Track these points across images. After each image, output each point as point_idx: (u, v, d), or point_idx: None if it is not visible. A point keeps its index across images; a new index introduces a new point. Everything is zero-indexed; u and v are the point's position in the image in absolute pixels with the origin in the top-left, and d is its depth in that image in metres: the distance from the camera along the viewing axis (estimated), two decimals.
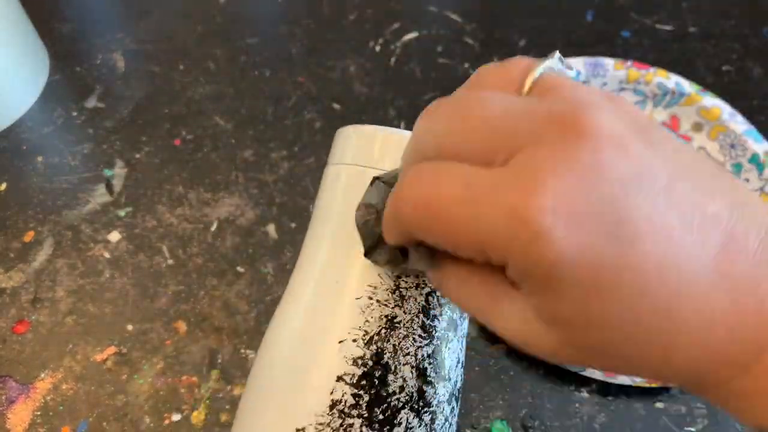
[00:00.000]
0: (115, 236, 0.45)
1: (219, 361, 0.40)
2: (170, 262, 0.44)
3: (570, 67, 0.26)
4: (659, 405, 0.39)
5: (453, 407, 0.28)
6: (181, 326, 0.41)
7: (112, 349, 0.40)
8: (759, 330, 0.17)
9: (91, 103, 0.52)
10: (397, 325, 0.26)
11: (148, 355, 0.40)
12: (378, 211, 0.24)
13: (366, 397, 0.25)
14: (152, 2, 0.59)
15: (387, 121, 0.51)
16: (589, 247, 0.16)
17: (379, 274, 0.26)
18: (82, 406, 0.38)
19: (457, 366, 0.28)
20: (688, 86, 0.50)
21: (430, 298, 0.27)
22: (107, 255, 0.44)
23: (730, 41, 0.58)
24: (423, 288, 0.27)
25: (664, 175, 0.17)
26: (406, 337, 0.26)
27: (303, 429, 0.24)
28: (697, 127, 0.50)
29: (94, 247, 0.44)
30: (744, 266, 0.17)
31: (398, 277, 0.26)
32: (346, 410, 0.24)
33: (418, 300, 0.26)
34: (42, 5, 0.58)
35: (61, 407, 0.38)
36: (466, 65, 0.55)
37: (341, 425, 0.24)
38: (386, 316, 0.26)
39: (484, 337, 0.41)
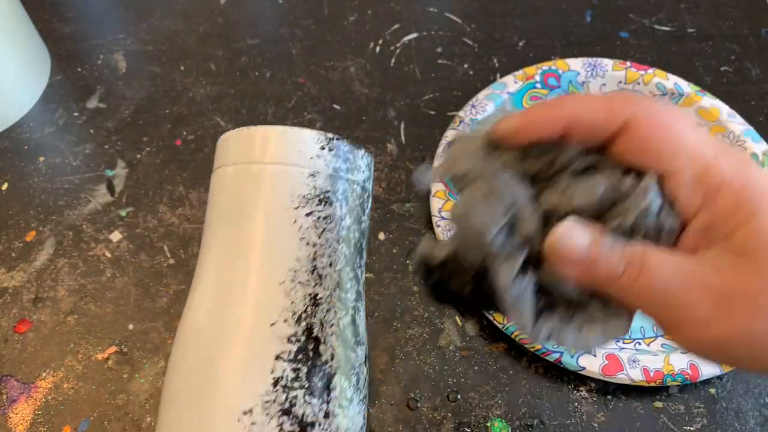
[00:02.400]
0: (116, 236, 0.45)
1: None
2: (171, 261, 0.44)
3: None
4: (658, 404, 0.39)
5: (367, 367, 0.32)
6: None
7: (113, 349, 0.40)
8: None
9: (93, 103, 0.52)
10: (319, 301, 0.29)
11: (149, 355, 0.40)
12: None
13: (304, 369, 0.27)
14: (153, 3, 0.59)
15: (387, 121, 0.52)
16: None
17: (297, 258, 0.28)
18: (83, 406, 0.38)
19: (365, 331, 0.32)
20: (686, 87, 0.50)
21: (343, 274, 0.30)
22: (108, 255, 0.44)
23: (729, 42, 0.58)
24: (335, 266, 0.29)
25: None
26: (328, 311, 0.29)
27: (251, 410, 0.26)
28: None
29: (96, 246, 0.45)
30: None
31: (314, 258, 0.29)
32: (289, 384, 0.27)
33: (333, 276, 0.29)
34: (43, 6, 0.58)
35: (63, 406, 0.38)
36: (466, 65, 0.55)
37: (286, 398, 0.27)
38: (309, 295, 0.28)
39: (483, 336, 0.41)
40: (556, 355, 0.38)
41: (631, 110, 0.20)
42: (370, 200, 0.33)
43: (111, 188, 0.48)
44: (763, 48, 0.58)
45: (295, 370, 0.27)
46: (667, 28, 0.59)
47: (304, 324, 0.28)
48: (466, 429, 0.38)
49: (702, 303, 0.19)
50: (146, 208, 0.47)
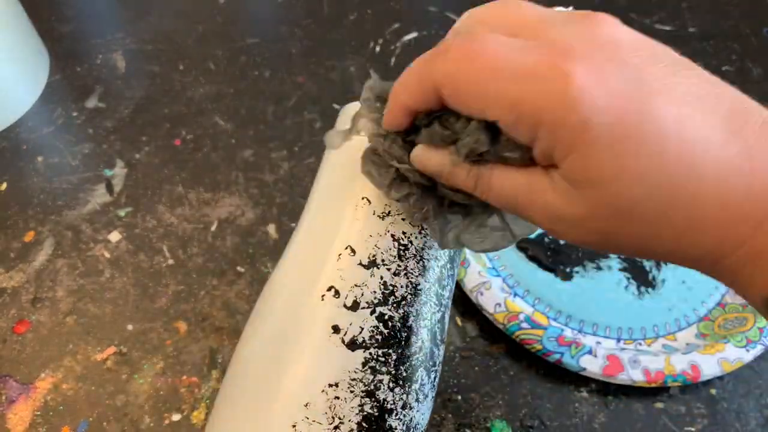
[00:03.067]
0: (115, 236, 0.45)
1: (219, 360, 0.40)
2: (170, 262, 0.44)
3: None
4: (659, 405, 0.39)
5: (441, 367, 0.32)
6: (182, 326, 0.41)
7: (112, 349, 0.40)
8: None
9: (92, 103, 0.52)
10: (419, 292, 0.28)
11: (148, 355, 0.40)
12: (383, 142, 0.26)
13: (393, 356, 0.27)
14: (152, 2, 0.59)
15: None
16: (616, 96, 0.18)
17: (407, 245, 0.29)
18: (82, 406, 0.38)
19: (446, 329, 0.32)
20: None
21: (443, 270, 0.30)
22: (107, 255, 0.44)
23: (730, 41, 0.58)
24: (439, 260, 0.29)
25: (671, 58, 0.20)
26: (425, 303, 0.29)
27: (336, 384, 0.26)
28: None
29: (95, 247, 0.45)
30: (752, 133, 0.19)
31: (422, 248, 0.29)
32: (377, 367, 0.27)
33: (436, 271, 0.29)
34: (42, 5, 0.58)
35: (62, 407, 0.38)
36: None
37: (372, 380, 0.27)
38: (411, 284, 0.28)
39: (484, 336, 0.41)
40: (557, 356, 0.38)
41: (435, 77, 0.22)
42: None
43: (110, 188, 0.47)
44: (764, 47, 0.58)
45: (385, 354, 0.27)
46: (668, 28, 0.59)
47: (402, 311, 0.28)
48: (466, 430, 0.38)
49: (544, 218, 0.22)
50: (145, 208, 0.46)
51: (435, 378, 0.30)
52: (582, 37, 0.19)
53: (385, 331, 0.27)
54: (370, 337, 0.27)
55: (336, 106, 0.52)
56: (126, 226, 0.45)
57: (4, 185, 0.47)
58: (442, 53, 0.21)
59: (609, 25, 0.20)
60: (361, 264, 0.28)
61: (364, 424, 0.26)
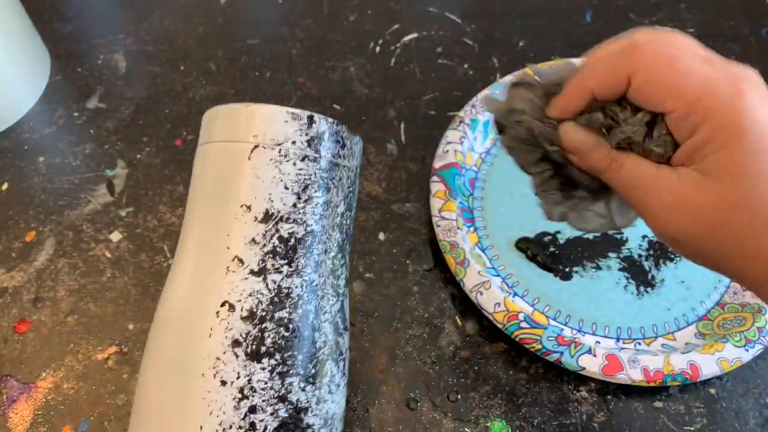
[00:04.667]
0: (116, 236, 0.45)
1: None
2: (171, 261, 0.44)
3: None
4: (658, 404, 0.39)
5: (349, 352, 0.33)
6: None
7: (113, 349, 0.40)
8: None
9: (93, 103, 0.52)
10: (315, 288, 0.29)
11: None
12: (528, 115, 0.30)
13: (300, 357, 0.28)
14: (153, 3, 0.59)
15: (387, 121, 0.52)
16: (764, 153, 0.23)
17: None
18: (83, 406, 0.38)
19: (349, 315, 0.33)
20: None
21: (335, 261, 0.30)
22: (108, 255, 0.44)
23: (729, 42, 0.58)
24: (329, 252, 0.30)
25: None
26: (322, 297, 0.29)
27: (246, 397, 0.27)
28: None
29: (96, 246, 0.45)
30: None
31: (310, 245, 0.29)
32: (285, 371, 0.27)
33: (328, 263, 0.30)
34: (43, 6, 0.58)
35: (63, 406, 0.38)
36: (466, 65, 0.55)
37: (282, 385, 0.27)
38: (305, 282, 0.28)
39: (483, 336, 0.41)
40: (556, 356, 0.38)
41: (630, 68, 0.26)
42: (358, 183, 0.33)
43: (111, 188, 0.48)
44: (763, 48, 0.58)
45: (291, 357, 0.27)
46: (667, 28, 0.59)
47: (300, 311, 0.28)
48: (466, 429, 0.38)
49: (660, 203, 0.26)
50: (146, 208, 0.47)
51: (344, 366, 0.31)
52: (747, 73, 0.25)
53: (287, 334, 0.27)
54: (273, 344, 0.27)
55: (336, 107, 0.52)
56: (127, 226, 0.46)
57: (6, 185, 0.48)
58: (636, 47, 0.25)
59: (757, 75, 0.25)
60: (251, 272, 0.27)
61: (282, 430, 0.27)
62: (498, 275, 0.43)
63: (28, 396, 0.39)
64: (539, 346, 0.38)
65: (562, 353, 0.38)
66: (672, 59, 0.25)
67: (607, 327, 0.41)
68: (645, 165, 0.26)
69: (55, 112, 0.52)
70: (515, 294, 0.42)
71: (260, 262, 0.28)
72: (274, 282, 0.28)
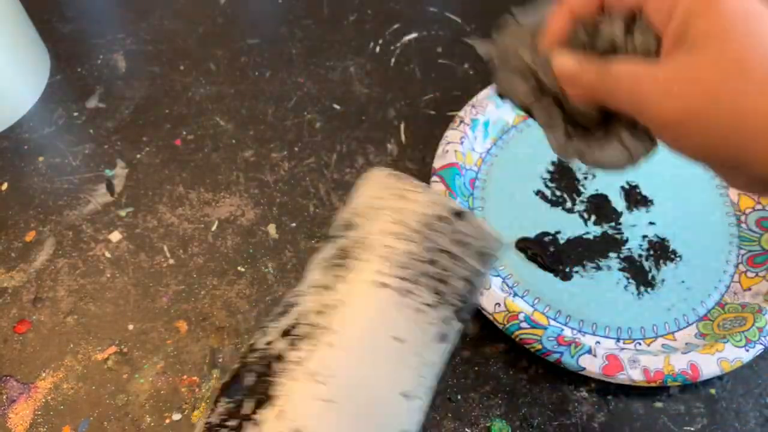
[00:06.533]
0: (116, 236, 0.45)
1: (220, 360, 0.40)
2: (171, 261, 0.44)
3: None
4: (658, 405, 0.39)
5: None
6: (182, 326, 0.41)
7: (113, 349, 0.40)
8: None
9: (92, 103, 0.52)
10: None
11: (148, 355, 0.40)
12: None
13: None
14: (153, 3, 0.59)
15: (387, 121, 0.52)
16: (743, 15, 0.23)
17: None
18: (83, 406, 0.38)
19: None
20: None
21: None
22: (108, 255, 0.44)
23: None
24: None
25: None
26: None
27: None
28: None
29: (95, 246, 0.45)
30: None
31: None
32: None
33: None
34: (43, 6, 0.58)
35: (62, 406, 0.38)
36: (466, 65, 0.55)
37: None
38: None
39: (483, 336, 0.41)
40: (557, 356, 0.38)
41: None
42: None
43: (111, 188, 0.48)
44: None
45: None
46: None
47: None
48: (466, 429, 0.38)
49: (655, 90, 0.25)
50: (146, 208, 0.47)
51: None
52: None
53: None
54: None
55: (336, 107, 0.52)
56: (127, 226, 0.46)
57: (5, 185, 0.48)
58: None
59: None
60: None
61: None
62: (498, 275, 0.43)
63: (27, 396, 0.39)
64: (539, 347, 0.38)
65: (562, 353, 0.38)
66: None
67: (607, 327, 0.41)
68: (633, 61, 0.26)
69: (55, 112, 0.52)
70: (515, 294, 0.42)
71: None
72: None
